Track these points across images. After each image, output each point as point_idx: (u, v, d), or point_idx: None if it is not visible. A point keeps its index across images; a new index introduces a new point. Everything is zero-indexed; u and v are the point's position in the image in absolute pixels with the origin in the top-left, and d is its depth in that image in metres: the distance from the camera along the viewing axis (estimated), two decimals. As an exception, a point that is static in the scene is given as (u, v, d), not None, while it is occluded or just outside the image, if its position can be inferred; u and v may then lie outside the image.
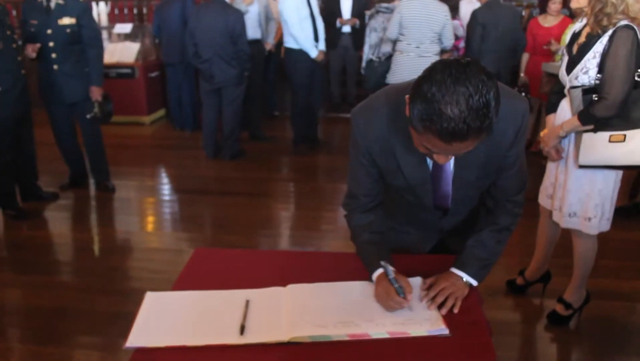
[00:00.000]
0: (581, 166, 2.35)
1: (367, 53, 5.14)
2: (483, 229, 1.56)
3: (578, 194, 2.43)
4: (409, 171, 1.47)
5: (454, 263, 1.54)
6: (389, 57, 4.89)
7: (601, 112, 2.21)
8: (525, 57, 5.03)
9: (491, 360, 1.27)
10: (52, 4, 3.98)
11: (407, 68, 4.58)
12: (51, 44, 4.01)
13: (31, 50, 3.98)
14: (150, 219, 4.21)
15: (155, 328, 1.38)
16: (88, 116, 4.19)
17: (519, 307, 2.88)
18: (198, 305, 1.47)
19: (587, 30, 2.29)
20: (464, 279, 1.50)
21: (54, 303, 2.93)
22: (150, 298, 1.51)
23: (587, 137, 2.29)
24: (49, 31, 3.98)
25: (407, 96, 1.24)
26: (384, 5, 5.20)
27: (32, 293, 3.05)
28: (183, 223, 4.06)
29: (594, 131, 2.28)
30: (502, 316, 2.78)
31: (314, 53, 5.18)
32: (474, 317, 1.42)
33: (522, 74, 5.13)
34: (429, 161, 1.45)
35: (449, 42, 4.71)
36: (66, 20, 3.99)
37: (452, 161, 1.43)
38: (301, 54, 5.17)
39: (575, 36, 2.37)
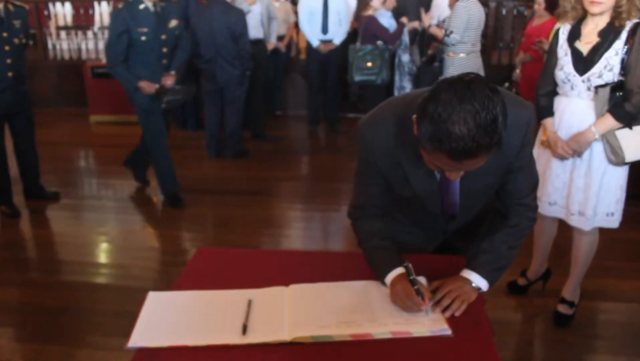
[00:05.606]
0: (625, 163, 2.35)
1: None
2: (495, 234, 1.54)
3: (615, 193, 2.42)
4: (416, 182, 1.46)
5: (465, 266, 1.53)
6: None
7: (638, 107, 2.22)
8: (520, 55, 5.04)
9: (493, 360, 1.27)
10: (158, 9, 3.72)
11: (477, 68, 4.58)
12: (164, 49, 3.78)
13: (148, 89, 3.78)
14: (153, 218, 4.21)
15: (157, 327, 1.38)
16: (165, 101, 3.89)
17: (521, 307, 2.88)
18: (200, 304, 1.47)
19: (591, 27, 2.29)
20: (473, 284, 1.48)
21: (56, 302, 2.93)
22: (152, 298, 1.51)
23: (623, 134, 2.30)
24: (164, 36, 3.75)
25: (414, 117, 1.23)
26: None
27: (34, 292, 3.05)
28: (185, 222, 4.06)
29: (630, 127, 2.29)
30: (504, 316, 2.78)
31: (314, 43, 5.88)
32: (477, 317, 1.42)
33: (517, 70, 5.13)
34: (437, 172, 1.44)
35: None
36: (173, 23, 3.80)
37: None
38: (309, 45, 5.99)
39: (575, 35, 2.33)
